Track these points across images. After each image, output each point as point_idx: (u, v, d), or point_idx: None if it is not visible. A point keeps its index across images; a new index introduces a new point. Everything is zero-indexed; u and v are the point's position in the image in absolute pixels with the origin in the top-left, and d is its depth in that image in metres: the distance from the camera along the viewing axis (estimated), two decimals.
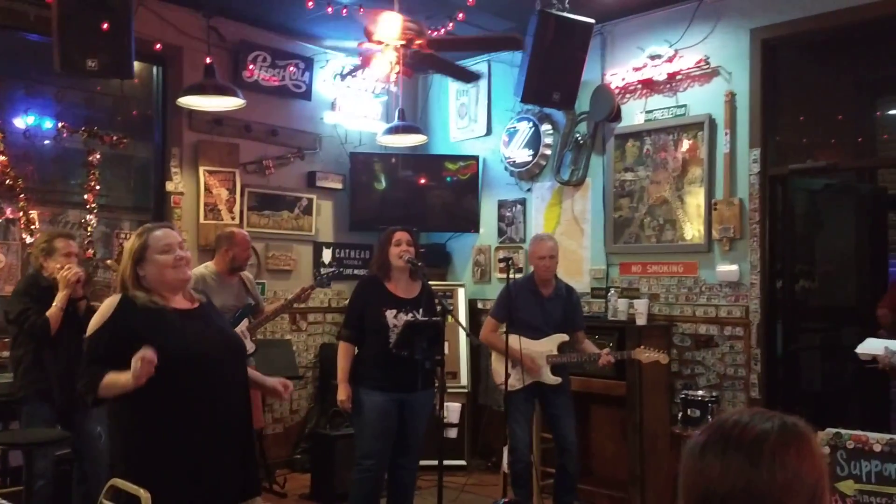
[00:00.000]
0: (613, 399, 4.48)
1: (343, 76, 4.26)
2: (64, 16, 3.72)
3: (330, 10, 4.43)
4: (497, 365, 4.01)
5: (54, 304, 3.38)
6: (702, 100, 4.62)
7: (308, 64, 5.44)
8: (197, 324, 2.31)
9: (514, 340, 3.87)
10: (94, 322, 2.25)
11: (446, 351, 3.65)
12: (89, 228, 4.53)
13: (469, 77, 4.59)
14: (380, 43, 3.59)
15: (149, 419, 2.19)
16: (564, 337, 3.97)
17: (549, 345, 3.95)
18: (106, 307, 2.26)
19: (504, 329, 3.90)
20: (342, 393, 3.52)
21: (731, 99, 4.46)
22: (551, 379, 3.92)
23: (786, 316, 4.40)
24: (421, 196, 5.84)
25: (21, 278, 3.92)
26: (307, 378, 5.53)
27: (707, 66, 4.57)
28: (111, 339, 2.20)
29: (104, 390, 2.16)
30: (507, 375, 3.82)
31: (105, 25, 3.70)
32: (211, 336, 2.32)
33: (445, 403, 3.40)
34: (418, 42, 3.59)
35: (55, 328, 3.37)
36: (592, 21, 4.36)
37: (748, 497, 0.92)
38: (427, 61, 3.90)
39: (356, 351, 3.58)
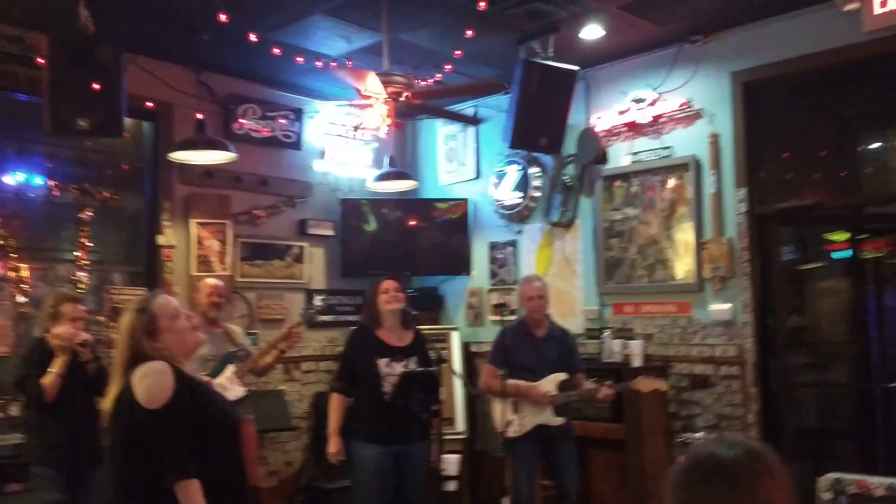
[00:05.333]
0: (612, 442, 4.44)
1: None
2: (55, 77, 3.75)
3: (319, 64, 4.50)
4: (497, 411, 3.98)
5: (50, 370, 3.35)
6: (686, 141, 4.70)
7: (298, 114, 5.50)
8: (217, 393, 2.36)
9: (513, 385, 3.87)
10: (156, 393, 2.07)
11: (442, 396, 3.64)
12: (81, 286, 4.50)
13: (464, 119, 4.63)
14: (369, 97, 3.65)
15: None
16: (563, 375, 3.94)
17: (547, 385, 3.92)
18: (160, 376, 2.09)
19: (502, 373, 3.90)
20: (332, 446, 3.54)
21: (715, 140, 4.54)
22: (554, 420, 3.88)
23: (780, 353, 4.41)
24: (412, 240, 5.86)
25: (26, 342, 3.91)
26: (301, 429, 5.46)
27: (690, 109, 4.66)
28: (184, 407, 2.08)
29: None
30: (509, 422, 3.80)
31: (96, 86, 3.74)
32: (228, 404, 2.40)
33: (443, 456, 3.38)
34: (407, 94, 3.65)
35: (52, 395, 3.33)
36: (576, 68, 4.45)
37: None
38: (421, 109, 3.96)
39: (348, 403, 3.58)
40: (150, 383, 2.09)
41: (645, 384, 3.82)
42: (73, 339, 3.40)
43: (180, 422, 2.07)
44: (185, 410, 2.08)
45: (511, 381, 3.85)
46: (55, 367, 3.35)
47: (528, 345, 4.01)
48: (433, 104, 4.21)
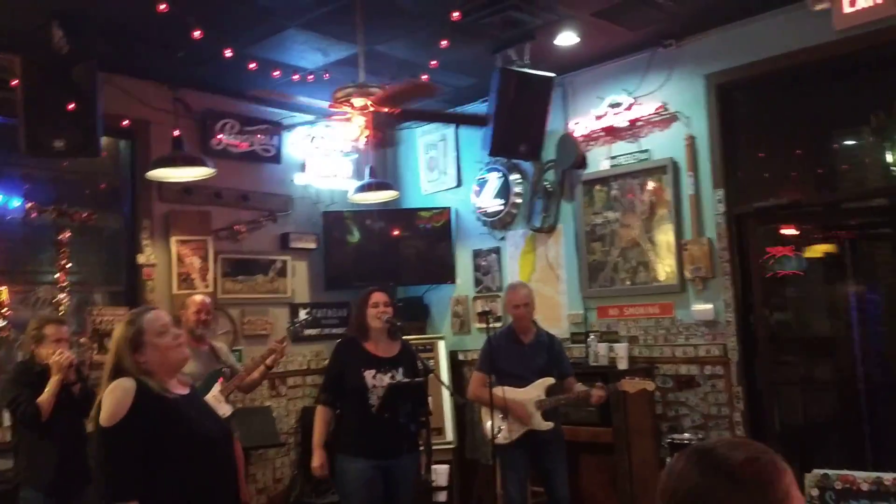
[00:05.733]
0: (600, 446, 4.45)
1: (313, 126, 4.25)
2: (29, 98, 3.73)
3: (296, 77, 4.50)
4: (487, 419, 3.97)
5: (46, 390, 3.36)
6: (663, 144, 4.74)
7: (276, 128, 5.49)
8: (197, 409, 2.32)
9: (499, 391, 3.86)
10: (112, 412, 2.08)
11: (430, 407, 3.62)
12: (61, 308, 4.45)
13: (471, 121, 4.61)
14: (350, 109, 3.64)
15: None
16: (550, 380, 3.94)
17: (535, 391, 3.93)
18: (123, 395, 2.09)
19: (491, 381, 3.89)
20: (316, 459, 3.50)
21: (691, 142, 4.59)
22: (543, 424, 3.88)
23: (764, 351, 4.44)
24: (396, 250, 5.85)
25: (14, 364, 3.88)
26: (289, 444, 5.42)
27: (665, 112, 4.70)
28: (137, 429, 2.08)
29: None
30: (499, 429, 3.80)
31: (71, 106, 3.71)
32: (212, 420, 2.35)
33: (432, 466, 3.36)
34: (386, 110, 3.65)
35: (47, 414, 3.34)
36: (552, 75, 4.48)
37: (697, 497, 1.08)
38: (416, 115, 3.94)
39: (334, 415, 3.55)
40: (111, 401, 2.11)
41: (632, 385, 3.85)
42: (69, 361, 3.42)
43: (128, 443, 2.07)
44: (138, 432, 2.08)
45: (499, 395, 3.83)
46: (50, 387, 3.36)
47: (516, 351, 4.01)
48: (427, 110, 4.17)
